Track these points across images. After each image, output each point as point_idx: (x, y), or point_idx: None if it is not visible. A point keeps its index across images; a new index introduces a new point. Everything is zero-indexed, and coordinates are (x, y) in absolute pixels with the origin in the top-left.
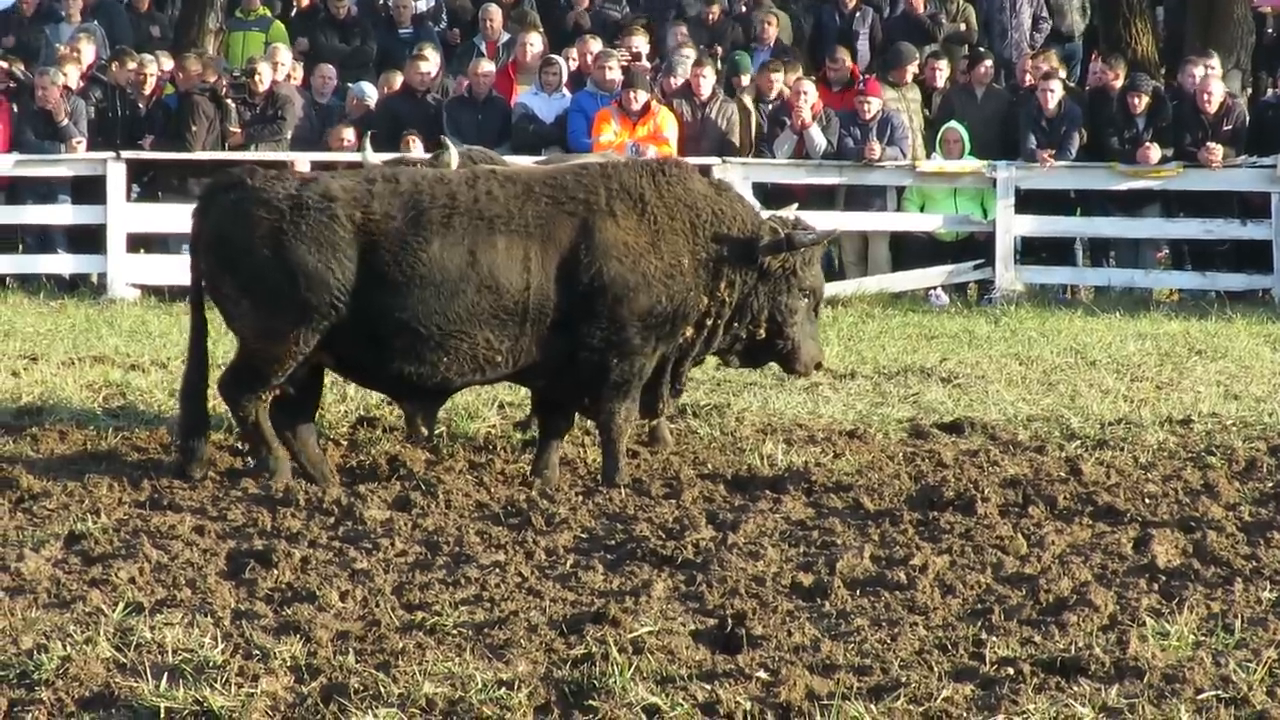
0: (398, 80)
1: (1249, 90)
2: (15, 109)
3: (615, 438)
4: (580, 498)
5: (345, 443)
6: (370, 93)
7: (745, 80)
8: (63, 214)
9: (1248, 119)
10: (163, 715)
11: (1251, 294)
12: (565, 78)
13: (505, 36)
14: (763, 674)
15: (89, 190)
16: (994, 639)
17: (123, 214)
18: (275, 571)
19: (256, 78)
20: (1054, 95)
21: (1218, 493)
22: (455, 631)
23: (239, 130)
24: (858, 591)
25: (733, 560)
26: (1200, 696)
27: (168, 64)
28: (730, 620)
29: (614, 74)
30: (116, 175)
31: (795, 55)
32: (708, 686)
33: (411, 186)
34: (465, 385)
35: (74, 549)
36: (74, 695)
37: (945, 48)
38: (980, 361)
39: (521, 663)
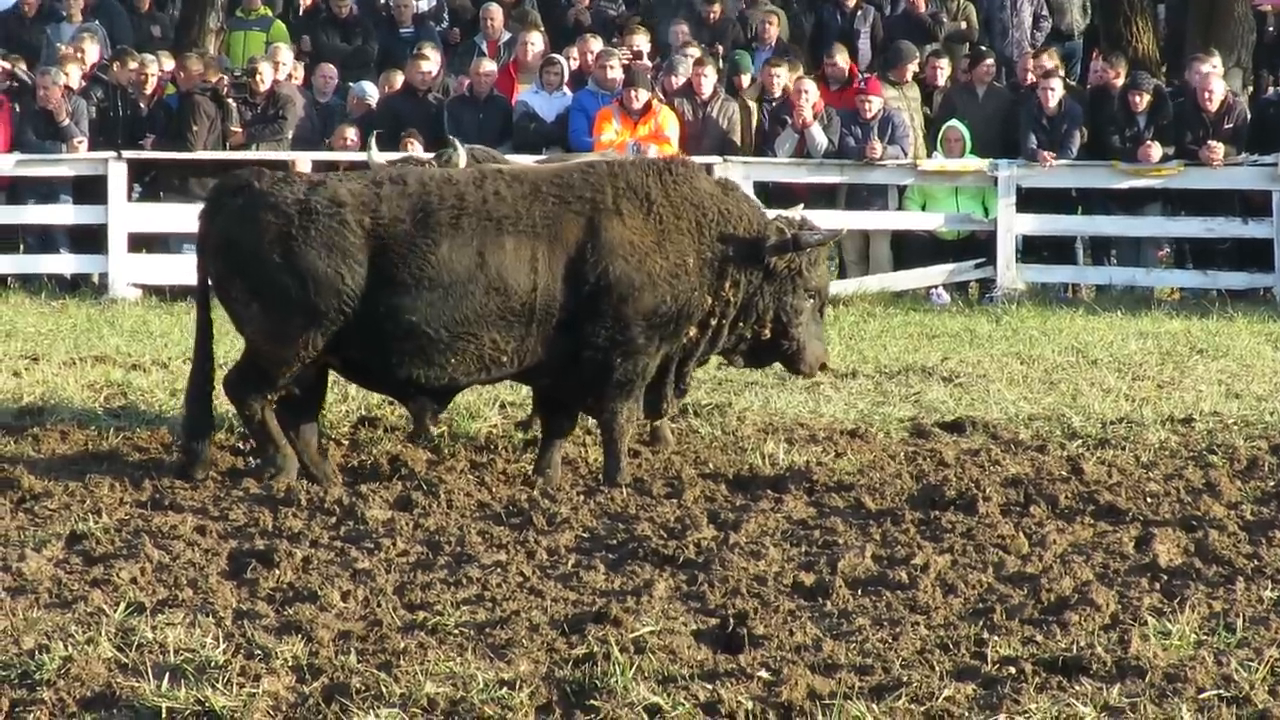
0: (398, 80)
1: (1250, 88)
2: (17, 109)
3: (617, 437)
4: (582, 497)
5: (347, 443)
6: (371, 92)
7: (746, 80)
8: (64, 214)
9: (1249, 117)
10: (164, 715)
11: (1253, 292)
12: (566, 77)
13: (506, 35)
14: (764, 674)
15: (90, 190)
16: (996, 638)
17: (124, 214)
18: (277, 571)
19: (257, 77)
20: (1055, 94)
21: (1219, 492)
22: (457, 631)
23: (240, 130)
24: (859, 591)
25: (734, 560)
26: (1202, 696)
27: (169, 64)
28: (732, 620)
29: (615, 73)
30: (118, 175)
31: (796, 54)
32: (709, 686)
33: (419, 188)
34: (470, 384)
35: (75, 549)
36: (75, 695)
37: (946, 46)
38: (982, 360)
39: (523, 662)
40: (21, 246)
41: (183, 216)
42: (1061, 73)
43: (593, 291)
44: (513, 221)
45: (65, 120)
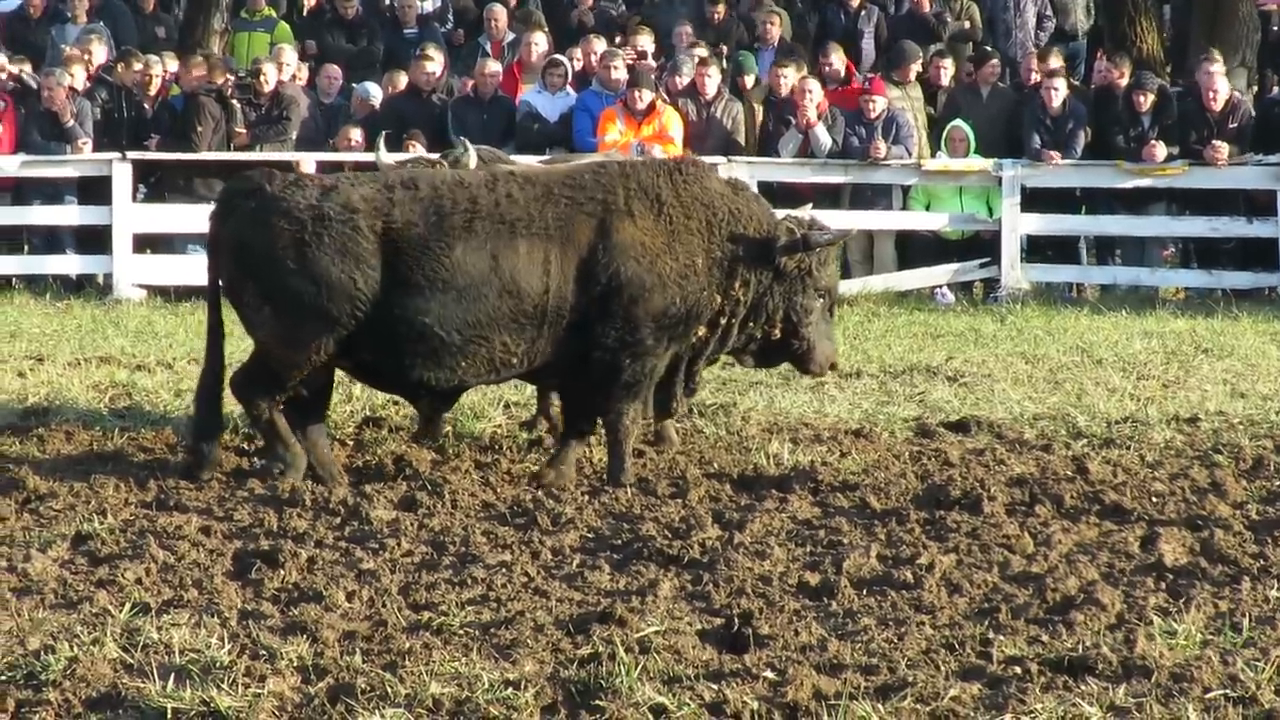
0: (402, 80)
1: (1255, 88)
2: (21, 110)
3: (622, 437)
4: (586, 497)
5: (351, 443)
6: (375, 93)
7: (750, 80)
8: (69, 215)
9: (1253, 117)
10: (170, 716)
11: (1258, 292)
12: (570, 77)
13: (510, 36)
14: (769, 674)
15: (95, 191)
16: (1001, 638)
17: (128, 214)
18: (282, 572)
19: (262, 78)
20: (1059, 94)
21: (1225, 491)
22: (462, 631)
23: (244, 131)
24: (864, 591)
25: (739, 560)
26: (1208, 695)
27: (173, 65)
28: (737, 620)
29: (619, 73)
30: (122, 176)
31: (800, 54)
32: (714, 686)
33: (431, 191)
34: (478, 385)
35: (80, 549)
36: (81, 696)
37: (950, 46)
38: (986, 360)
39: (528, 663)
40: (26, 247)
41: (187, 217)
42: (1065, 72)
43: (603, 292)
44: (526, 224)
45: (70, 121)
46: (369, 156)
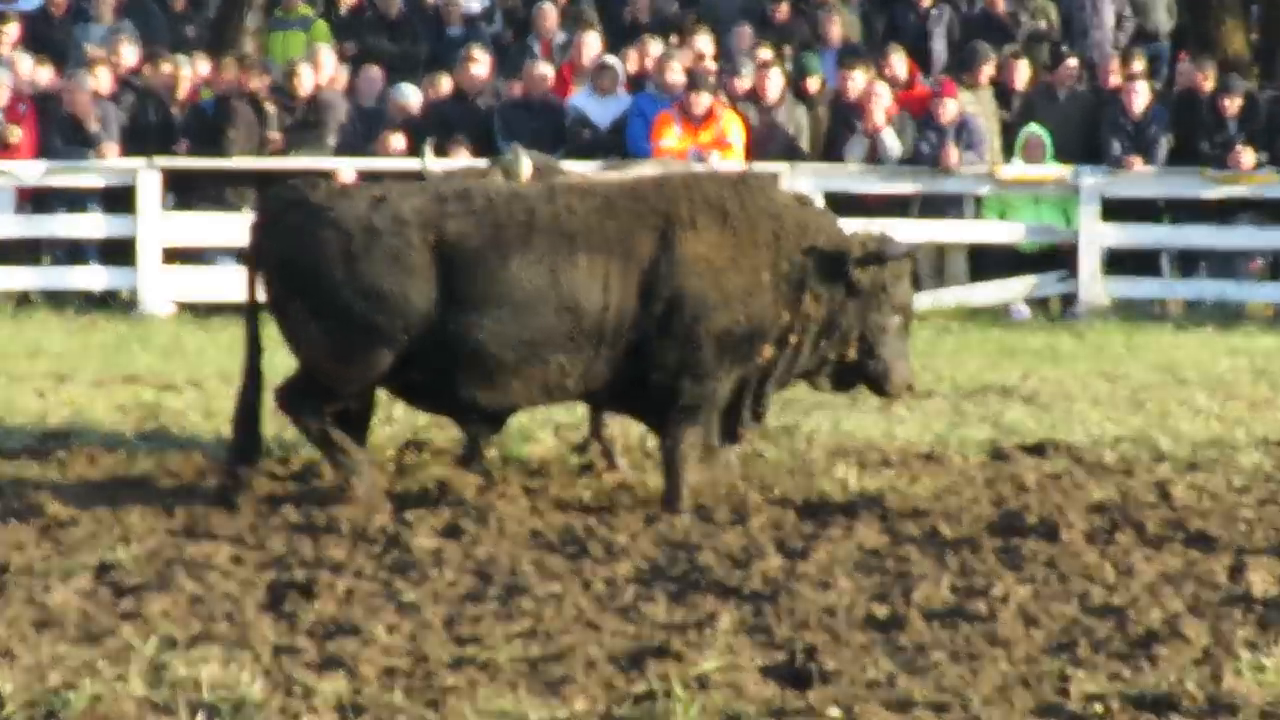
0: (445, 83)
1: None
2: (44, 115)
3: (679, 463)
4: (641, 525)
5: (392, 467)
6: (412, 95)
7: (814, 83)
8: (93, 225)
9: None
10: None
11: None
12: (622, 79)
13: (561, 36)
14: (835, 711)
15: (120, 200)
16: (1080, 674)
17: (156, 225)
18: (318, 604)
19: (297, 81)
20: (1140, 97)
21: None
22: (508, 667)
23: (279, 136)
24: (935, 623)
25: (803, 591)
26: None
27: (204, 66)
28: (800, 654)
29: (676, 76)
30: (149, 184)
31: (864, 54)
32: None
33: (486, 203)
34: (530, 407)
35: (104, 580)
36: None
37: (1025, 47)
38: (1064, 379)
39: (579, 700)
40: (49, 259)
41: (218, 227)
42: (1147, 75)
43: (665, 310)
44: (585, 237)
45: (95, 127)
46: (412, 163)
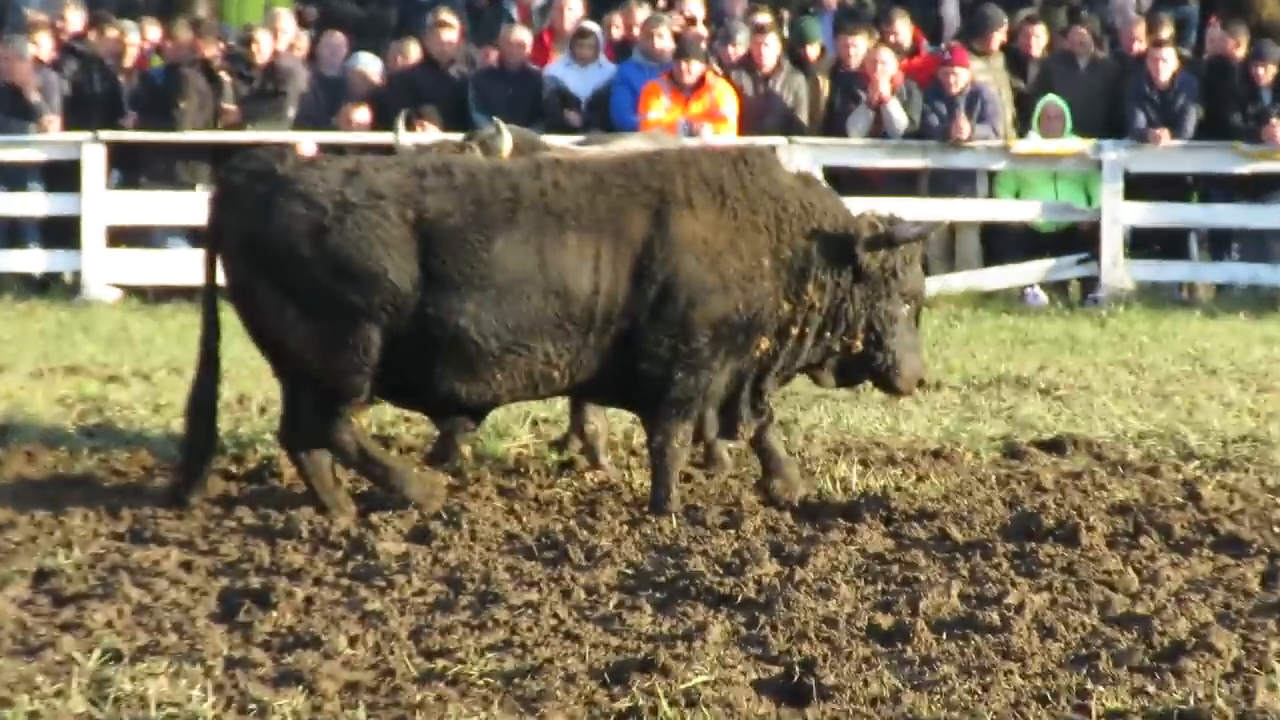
0: (413, 50)
1: None
2: None
3: (669, 461)
4: (625, 528)
5: None
6: (372, 65)
7: (814, 50)
8: (32, 203)
9: None
10: None
11: None
12: (602, 46)
13: (540, 0)
14: None
15: (62, 177)
16: (1101, 689)
17: (101, 203)
18: (274, 613)
19: (254, 47)
20: (1167, 65)
21: None
22: (481, 682)
23: (234, 108)
24: (944, 634)
25: (801, 599)
26: None
27: (153, 32)
28: (798, 668)
29: (665, 42)
30: (94, 159)
31: (866, 19)
32: None
33: (467, 179)
34: (512, 402)
35: (43, 588)
36: None
37: (1042, 11)
38: (1084, 370)
39: (557, 717)
40: None
41: (168, 206)
42: (1174, 41)
43: (658, 295)
44: (574, 216)
45: (35, 97)
46: (379, 137)
